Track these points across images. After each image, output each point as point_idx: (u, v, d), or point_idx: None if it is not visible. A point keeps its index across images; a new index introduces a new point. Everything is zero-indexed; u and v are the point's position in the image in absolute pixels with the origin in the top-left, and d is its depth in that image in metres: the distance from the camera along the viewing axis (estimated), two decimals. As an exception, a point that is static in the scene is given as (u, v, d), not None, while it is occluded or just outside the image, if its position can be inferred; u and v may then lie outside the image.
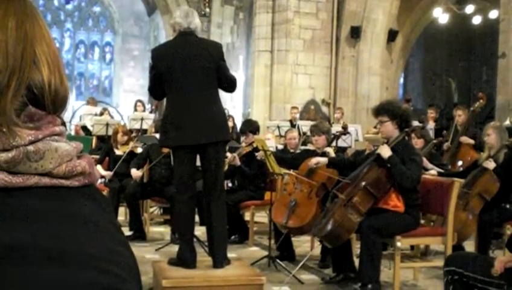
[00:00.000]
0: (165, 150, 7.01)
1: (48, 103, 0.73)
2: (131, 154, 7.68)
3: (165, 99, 5.06)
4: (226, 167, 7.31)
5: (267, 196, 6.85)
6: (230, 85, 4.94)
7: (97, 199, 0.75)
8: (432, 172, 6.15)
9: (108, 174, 7.63)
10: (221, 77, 4.82)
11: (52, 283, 0.64)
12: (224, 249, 4.88)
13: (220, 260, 4.80)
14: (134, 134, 9.78)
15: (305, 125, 10.17)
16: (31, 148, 0.69)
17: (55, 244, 0.66)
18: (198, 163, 4.92)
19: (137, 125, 10.68)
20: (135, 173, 7.13)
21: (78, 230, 0.69)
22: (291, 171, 6.03)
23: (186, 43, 4.80)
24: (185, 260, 4.76)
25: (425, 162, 6.02)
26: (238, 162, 7.16)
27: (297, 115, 12.85)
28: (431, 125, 10.86)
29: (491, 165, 5.82)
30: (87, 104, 13.84)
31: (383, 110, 5.07)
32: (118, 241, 0.73)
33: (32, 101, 0.72)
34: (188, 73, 4.71)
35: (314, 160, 5.55)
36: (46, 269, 0.64)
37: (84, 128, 11.80)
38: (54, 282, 0.64)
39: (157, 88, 4.87)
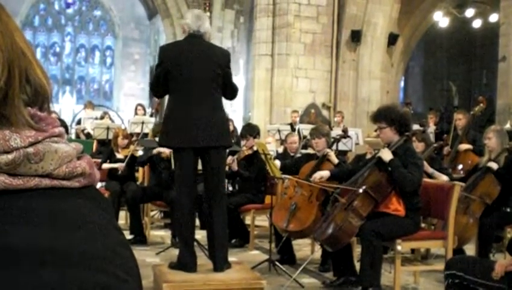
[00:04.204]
0: (166, 154, 7.01)
1: (39, 95, 0.73)
2: (132, 158, 7.69)
3: (165, 100, 5.07)
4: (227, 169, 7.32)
5: (268, 199, 6.84)
6: (232, 94, 5.02)
7: (97, 200, 0.76)
8: (444, 178, 6.09)
9: (120, 165, 7.62)
10: (226, 85, 4.89)
11: (52, 283, 0.64)
12: (224, 253, 4.89)
13: (220, 264, 4.81)
14: (134, 138, 9.79)
15: (306, 129, 10.18)
16: (30, 150, 0.69)
17: (55, 245, 0.66)
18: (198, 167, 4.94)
19: (137, 129, 10.69)
20: (166, 150, 7.06)
21: (79, 231, 0.69)
22: (291, 177, 6.03)
23: (195, 45, 4.84)
24: (186, 263, 4.76)
25: (426, 166, 6.02)
26: (235, 167, 7.17)
27: (298, 119, 12.85)
28: (431, 128, 10.87)
29: (494, 165, 5.82)
30: (84, 108, 13.85)
31: (380, 117, 5.07)
32: (118, 242, 0.73)
33: (30, 98, 0.72)
34: (195, 76, 4.74)
35: (318, 175, 5.52)
36: (46, 270, 0.64)
37: (86, 134, 11.81)
38: (54, 283, 0.64)
39: (160, 86, 4.85)
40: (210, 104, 4.81)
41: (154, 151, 7.20)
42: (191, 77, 4.73)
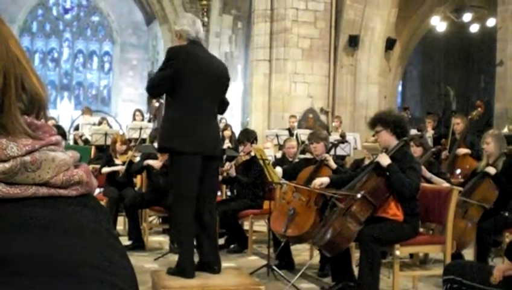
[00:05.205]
0: (162, 159, 7.02)
1: (35, 102, 0.73)
2: (131, 163, 7.68)
3: (163, 106, 5.11)
4: (223, 175, 7.32)
5: (266, 205, 6.84)
6: (225, 107, 5.16)
7: (95, 209, 0.75)
8: (445, 184, 6.08)
9: (121, 168, 7.62)
10: (223, 97, 5.03)
11: None
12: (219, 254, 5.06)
13: (219, 265, 4.90)
14: (132, 143, 9.78)
15: (304, 134, 10.18)
16: (27, 158, 0.69)
17: (53, 254, 0.66)
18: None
19: (135, 135, 10.69)
20: (155, 162, 7.13)
21: (76, 240, 0.69)
22: (289, 183, 6.02)
23: (201, 53, 4.90)
24: (185, 269, 4.76)
25: (424, 171, 6.02)
26: (233, 173, 7.16)
27: (296, 124, 12.86)
28: (429, 133, 10.88)
29: (492, 170, 5.82)
30: (82, 114, 13.84)
31: (376, 121, 5.11)
32: (116, 251, 0.73)
33: (26, 106, 0.72)
34: (206, 84, 4.79)
35: (318, 181, 5.51)
36: (44, 280, 0.64)
37: (84, 140, 11.80)
38: None
39: (163, 86, 4.81)
40: (214, 114, 4.97)
41: (145, 163, 7.23)
42: (203, 85, 4.77)
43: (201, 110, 4.76)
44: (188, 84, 4.71)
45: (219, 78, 4.92)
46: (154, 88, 4.91)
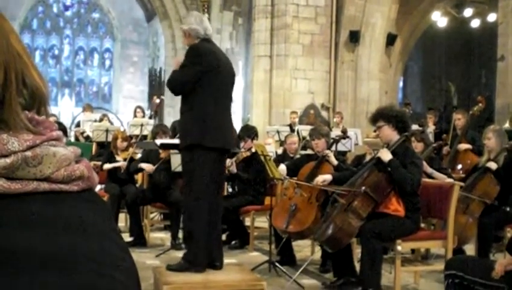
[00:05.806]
0: (164, 155, 7.03)
1: (36, 98, 0.73)
2: (132, 160, 7.68)
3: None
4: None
5: (267, 201, 6.84)
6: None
7: (96, 204, 0.75)
8: (448, 180, 6.07)
9: (123, 164, 7.63)
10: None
11: (50, 288, 0.64)
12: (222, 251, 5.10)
13: (221, 262, 4.94)
14: (133, 140, 9.78)
15: (305, 130, 10.17)
16: (28, 153, 0.69)
17: (54, 249, 0.66)
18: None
19: (136, 131, 10.69)
20: (148, 166, 7.16)
21: (78, 235, 0.69)
22: (291, 179, 6.02)
23: (218, 50, 5.05)
24: (199, 263, 4.76)
25: (425, 166, 6.01)
26: (234, 170, 7.16)
27: (297, 120, 12.85)
28: (431, 128, 10.87)
29: (493, 165, 5.82)
30: (83, 111, 13.84)
31: (377, 116, 5.12)
32: (117, 246, 0.73)
33: (27, 102, 0.72)
34: (225, 80, 4.91)
35: (320, 178, 5.51)
36: (45, 274, 0.64)
37: (85, 136, 11.80)
38: (53, 287, 0.64)
39: (190, 84, 4.78)
40: (231, 108, 5.11)
41: (139, 166, 7.26)
42: (226, 82, 4.90)
43: (222, 106, 4.88)
44: (211, 80, 4.78)
45: (233, 73, 5.08)
46: (180, 85, 4.87)
